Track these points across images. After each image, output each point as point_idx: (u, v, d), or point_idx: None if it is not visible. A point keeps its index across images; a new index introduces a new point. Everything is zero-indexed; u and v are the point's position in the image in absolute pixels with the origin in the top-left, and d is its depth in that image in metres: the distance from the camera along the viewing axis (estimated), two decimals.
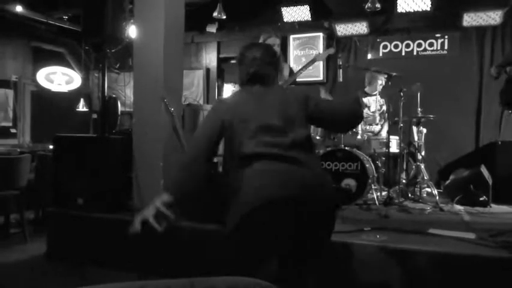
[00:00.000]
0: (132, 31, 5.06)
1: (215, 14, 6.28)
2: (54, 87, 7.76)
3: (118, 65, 7.23)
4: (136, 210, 3.81)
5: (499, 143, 5.02)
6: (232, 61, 7.67)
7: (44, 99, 7.74)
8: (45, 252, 3.80)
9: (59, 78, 7.81)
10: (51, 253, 3.78)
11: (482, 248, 2.68)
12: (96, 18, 3.93)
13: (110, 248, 3.49)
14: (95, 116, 7.21)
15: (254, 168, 1.77)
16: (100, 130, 4.20)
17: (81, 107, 7.39)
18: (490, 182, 4.60)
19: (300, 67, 4.28)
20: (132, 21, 4.87)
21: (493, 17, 5.66)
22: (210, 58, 7.67)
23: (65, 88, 7.85)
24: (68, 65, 8.05)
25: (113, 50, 6.23)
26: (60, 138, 4.11)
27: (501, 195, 4.60)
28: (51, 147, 5.11)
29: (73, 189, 3.83)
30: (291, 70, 4.25)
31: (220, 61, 7.70)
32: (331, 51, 4.38)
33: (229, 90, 7.85)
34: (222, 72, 7.81)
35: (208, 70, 7.66)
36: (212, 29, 7.29)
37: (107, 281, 0.83)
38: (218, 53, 7.64)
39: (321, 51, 6.63)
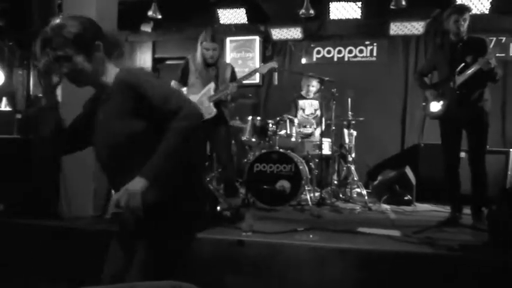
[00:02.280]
0: None
1: (150, 13, 6.15)
2: None
3: None
4: (64, 216, 3.65)
5: (422, 145, 5.34)
6: (168, 61, 7.54)
7: None
8: None
9: None
10: None
11: (406, 245, 2.84)
12: (22, 13, 3.71)
13: (33, 256, 3.29)
14: (19, 116, 6.78)
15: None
16: (24, 131, 3.96)
17: (4, 106, 6.90)
18: (414, 182, 4.89)
19: (241, 76, 4.30)
20: (60, 17, 4.64)
21: (416, 27, 6.03)
22: (144, 58, 7.47)
23: None
24: None
25: None
26: None
27: (424, 195, 4.90)
28: None
29: None
30: (234, 76, 4.24)
31: (156, 61, 7.54)
32: (275, 64, 4.41)
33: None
34: (158, 73, 7.64)
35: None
36: (147, 28, 7.11)
37: None
38: (153, 53, 7.47)
39: (257, 54, 6.70)
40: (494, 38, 5.74)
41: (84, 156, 3.65)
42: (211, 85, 4.06)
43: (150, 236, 1.62)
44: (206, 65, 4.07)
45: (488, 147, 3.70)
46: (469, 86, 3.50)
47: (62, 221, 3.52)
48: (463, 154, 3.77)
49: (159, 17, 6.25)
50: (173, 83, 4.18)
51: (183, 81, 4.18)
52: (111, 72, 1.71)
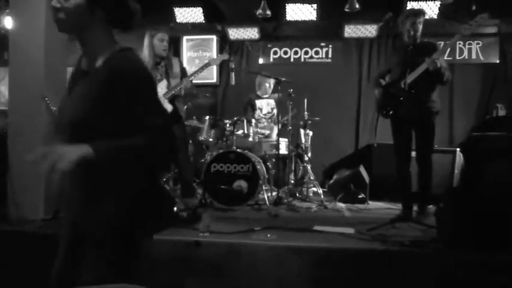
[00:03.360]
0: (7, 22, 4.63)
1: None
2: None
3: None
4: (13, 219, 3.49)
5: (375, 145, 5.50)
6: None
7: None
8: None
9: None
10: None
11: (360, 242, 2.92)
12: None
13: None
14: None
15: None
16: None
17: None
18: (368, 181, 5.03)
19: (193, 69, 4.27)
20: (7, 10, 4.46)
21: (369, 30, 6.22)
22: None
23: None
24: None
25: None
26: None
27: (377, 193, 5.06)
28: None
29: None
30: (183, 70, 4.22)
31: None
32: (225, 56, 4.44)
33: None
34: None
35: None
36: None
37: None
38: None
39: (214, 53, 6.68)
40: (442, 42, 5.99)
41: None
42: (163, 83, 4.01)
43: (101, 234, 1.51)
44: (155, 63, 4.02)
45: (436, 146, 3.87)
46: (418, 86, 3.64)
47: (10, 224, 3.37)
48: (413, 153, 3.91)
49: None
50: None
51: None
52: (108, 45, 1.55)
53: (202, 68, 4.21)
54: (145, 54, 3.98)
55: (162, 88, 4.00)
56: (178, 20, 6.31)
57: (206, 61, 4.30)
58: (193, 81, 4.41)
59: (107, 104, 1.46)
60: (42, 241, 3.07)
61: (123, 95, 1.46)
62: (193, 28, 6.60)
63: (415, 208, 3.81)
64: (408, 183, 3.84)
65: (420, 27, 3.71)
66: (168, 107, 3.99)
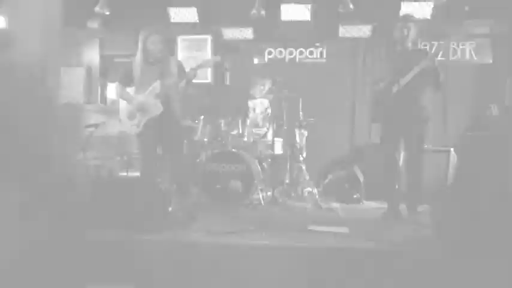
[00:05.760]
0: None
1: (97, 8, 5.95)
2: None
3: None
4: None
5: (370, 145, 5.52)
6: (117, 59, 7.35)
7: None
8: None
9: None
10: None
11: (355, 241, 2.93)
12: None
13: None
14: None
15: None
16: None
17: None
18: (362, 180, 5.05)
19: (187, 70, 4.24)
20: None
21: (363, 31, 6.24)
22: (91, 55, 7.23)
23: None
24: None
25: None
26: None
27: (371, 193, 5.07)
28: None
29: None
30: (181, 69, 4.19)
31: (104, 59, 7.31)
32: (217, 58, 4.39)
33: (113, 89, 7.50)
34: (106, 71, 7.42)
35: (89, 68, 7.22)
36: (94, 24, 6.88)
37: None
38: (101, 50, 7.24)
39: (209, 53, 6.67)
40: (436, 43, 6.05)
41: None
42: (157, 83, 3.99)
43: None
44: (150, 63, 4.00)
45: (431, 146, 3.88)
46: (409, 92, 3.64)
47: None
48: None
49: (108, 13, 6.07)
50: (116, 85, 4.09)
51: (126, 83, 4.10)
52: None
53: (195, 69, 4.18)
54: (137, 58, 3.96)
55: (155, 88, 3.98)
56: (172, 20, 6.30)
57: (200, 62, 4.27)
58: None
59: None
60: None
61: None
62: (188, 28, 6.60)
63: (403, 206, 3.82)
64: (393, 183, 3.85)
65: (409, 33, 3.74)
66: (160, 108, 3.96)
